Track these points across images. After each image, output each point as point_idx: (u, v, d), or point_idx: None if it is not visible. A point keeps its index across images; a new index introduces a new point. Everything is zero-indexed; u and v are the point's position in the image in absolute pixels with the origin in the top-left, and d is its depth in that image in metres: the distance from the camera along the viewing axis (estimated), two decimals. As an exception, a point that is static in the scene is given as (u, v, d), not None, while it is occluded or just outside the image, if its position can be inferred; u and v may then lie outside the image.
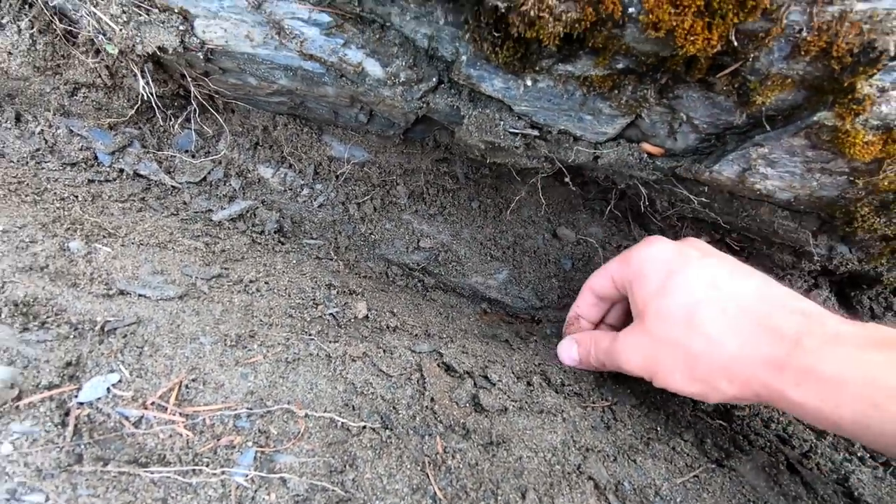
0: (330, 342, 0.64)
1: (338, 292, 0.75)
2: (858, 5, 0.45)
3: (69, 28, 0.73)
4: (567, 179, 0.73)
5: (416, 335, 0.73)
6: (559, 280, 0.89)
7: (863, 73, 0.48)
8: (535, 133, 0.67)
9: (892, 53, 0.46)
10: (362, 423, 0.54)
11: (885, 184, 0.57)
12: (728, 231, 0.82)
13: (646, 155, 0.68)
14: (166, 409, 0.50)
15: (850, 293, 0.84)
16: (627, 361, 0.59)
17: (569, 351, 0.70)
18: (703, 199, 0.72)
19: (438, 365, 0.66)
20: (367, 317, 0.73)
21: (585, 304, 0.71)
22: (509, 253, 0.89)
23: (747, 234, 0.80)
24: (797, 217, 0.72)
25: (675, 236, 0.88)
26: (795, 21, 0.46)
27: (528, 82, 0.59)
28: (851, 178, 0.59)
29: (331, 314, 0.70)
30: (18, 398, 0.46)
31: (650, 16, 0.46)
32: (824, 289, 0.84)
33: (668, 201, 0.78)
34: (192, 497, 0.44)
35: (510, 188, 0.89)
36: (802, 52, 0.48)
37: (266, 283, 0.71)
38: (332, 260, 0.84)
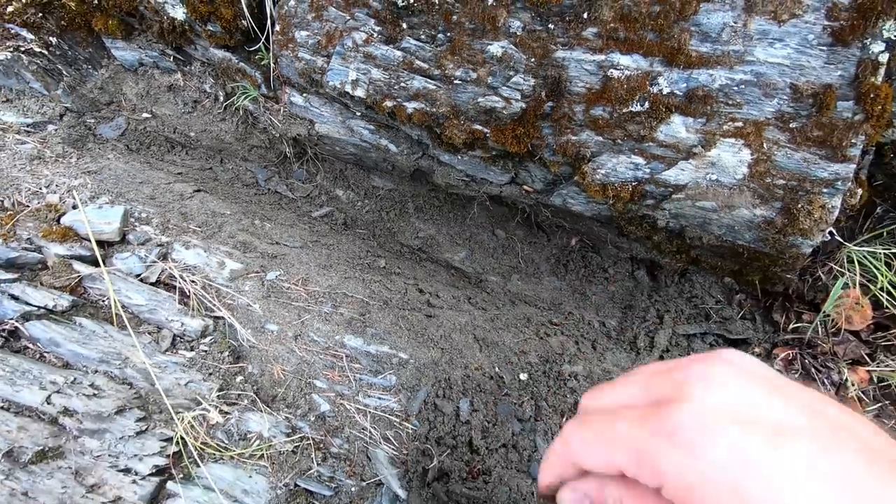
0: (365, 274, 1.37)
1: (371, 255, 1.48)
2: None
3: (254, 122, 1.53)
4: (487, 202, 1.44)
5: (408, 278, 1.45)
6: (494, 259, 1.58)
7: (582, 161, 1.16)
8: (469, 179, 1.39)
9: (590, 154, 1.14)
10: (376, 303, 1.26)
11: (621, 208, 1.24)
12: (581, 234, 1.49)
13: (525, 191, 1.38)
14: (298, 286, 1.24)
15: (656, 273, 1.48)
16: None
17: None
18: (556, 214, 1.40)
19: (416, 289, 1.38)
20: (384, 267, 1.45)
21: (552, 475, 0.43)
22: (467, 242, 1.60)
23: (591, 236, 1.47)
24: (604, 225, 1.38)
25: (562, 237, 1.55)
26: (549, 143, 1.16)
27: (459, 157, 1.32)
28: (609, 205, 1.26)
29: (366, 263, 1.44)
30: (247, 274, 1.22)
31: (494, 139, 1.18)
32: (641, 269, 1.48)
33: (546, 215, 1.46)
34: (308, 312, 1.18)
35: (469, 205, 1.60)
36: (557, 155, 1.17)
37: (337, 247, 1.45)
38: (370, 240, 1.58)
